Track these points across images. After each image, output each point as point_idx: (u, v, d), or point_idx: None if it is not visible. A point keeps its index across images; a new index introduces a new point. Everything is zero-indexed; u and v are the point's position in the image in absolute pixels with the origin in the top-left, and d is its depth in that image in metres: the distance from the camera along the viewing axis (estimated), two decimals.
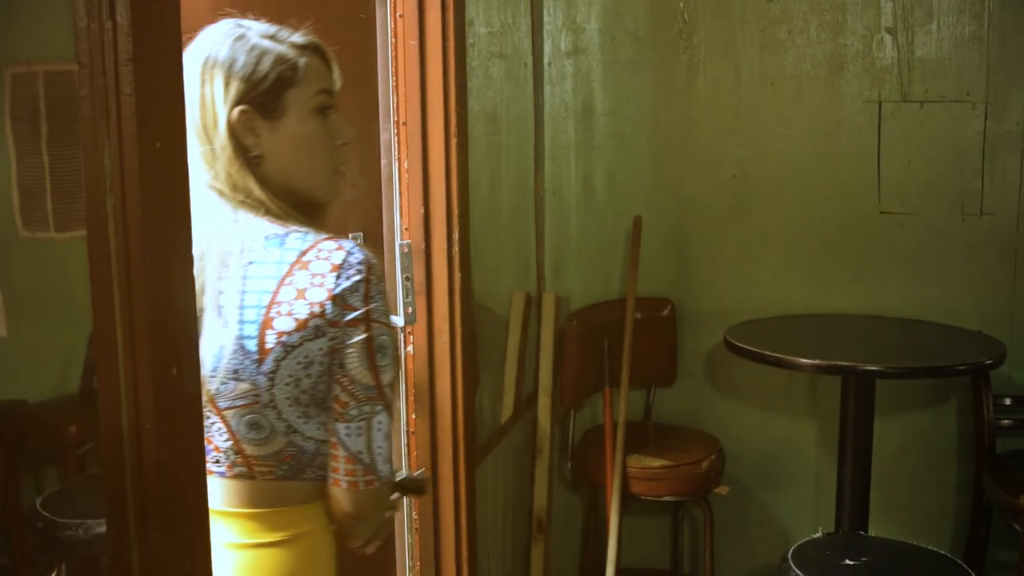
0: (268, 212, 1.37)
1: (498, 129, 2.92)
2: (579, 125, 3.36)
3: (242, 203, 1.37)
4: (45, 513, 2.83)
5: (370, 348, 1.30)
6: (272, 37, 1.39)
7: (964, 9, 3.05)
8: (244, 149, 1.36)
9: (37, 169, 3.84)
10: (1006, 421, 3.00)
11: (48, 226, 3.82)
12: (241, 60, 1.36)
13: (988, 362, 2.65)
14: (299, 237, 1.35)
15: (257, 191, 1.36)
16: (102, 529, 1.33)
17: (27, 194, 3.97)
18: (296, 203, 1.41)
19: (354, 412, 1.32)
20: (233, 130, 1.35)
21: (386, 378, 1.32)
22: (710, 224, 3.29)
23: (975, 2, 3.05)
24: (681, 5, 3.24)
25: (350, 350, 1.30)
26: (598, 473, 3.04)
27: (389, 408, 1.34)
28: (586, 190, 3.38)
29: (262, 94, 1.36)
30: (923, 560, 2.66)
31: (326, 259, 1.31)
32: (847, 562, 2.45)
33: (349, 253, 1.32)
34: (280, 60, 1.37)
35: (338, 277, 1.30)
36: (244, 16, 1.46)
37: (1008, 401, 3.02)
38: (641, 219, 3.20)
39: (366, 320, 1.30)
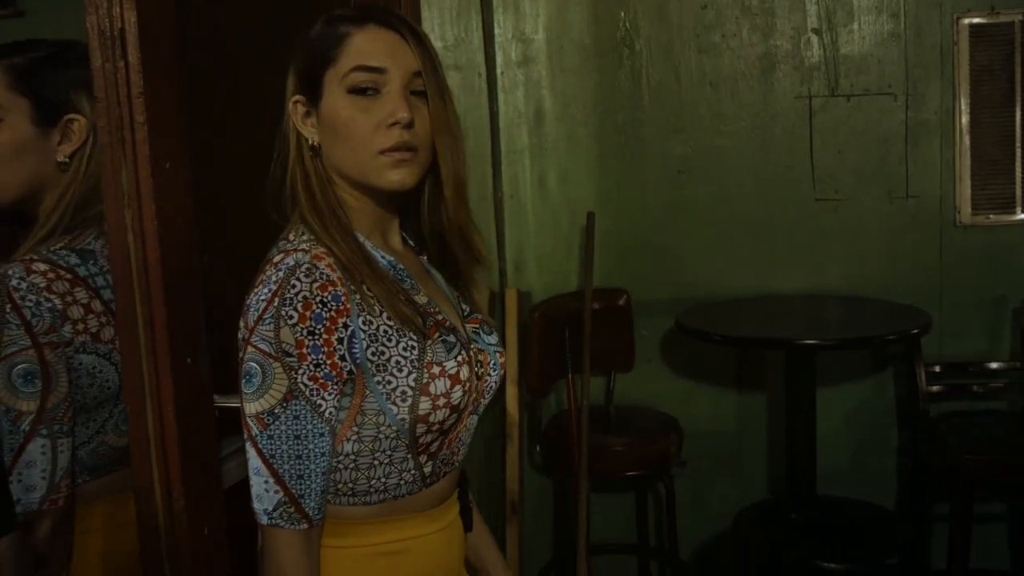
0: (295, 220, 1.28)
1: None
2: (532, 130, 3.57)
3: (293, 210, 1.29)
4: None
5: (238, 371, 1.18)
6: (328, 18, 1.27)
7: (882, 9, 3.30)
8: (307, 141, 1.27)
9: None
10: (937, 387, 3.25)
11: None
12: (297, 52, 1.28)
13: (915, 331, 2.88)
14: (276, 248, 1.24)
15: (303, 196, 1.26)
16: None
17: None
18: (370, 193, 1.28)
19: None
20: (293, 123, 1.28)
21: (252, 407, 1.16)
22: (659, 217, 3.52)
23: (892, 2, 3.30)
24: (622, 14, 3.47)
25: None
26: (565, 455, 3.24)
27: (253, 441, 1.16)
28: (542, 190, 3.60)
29: (306, 80, 1.26)
30: (863, 513, 2.89)
31: (262, 272, 1.20)
32: (793, 516, 2.66)
33: (277, 269, 1.17)
34: (321, 39, 1.25)
35: (255, 292, 1.18)
36: None
37: (938, 368, 3.27)
38: (594, 215, 3.41)
39: (246, 342, 1.17)
